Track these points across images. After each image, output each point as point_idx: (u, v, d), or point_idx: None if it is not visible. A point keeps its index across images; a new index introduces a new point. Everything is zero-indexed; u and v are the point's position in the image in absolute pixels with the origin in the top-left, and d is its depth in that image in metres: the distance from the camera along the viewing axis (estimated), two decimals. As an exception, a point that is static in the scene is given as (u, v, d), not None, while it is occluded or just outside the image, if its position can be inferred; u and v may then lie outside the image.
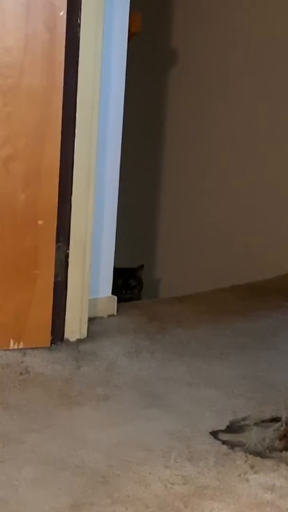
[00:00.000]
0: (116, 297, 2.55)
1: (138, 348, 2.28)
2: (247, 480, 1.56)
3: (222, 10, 3.61)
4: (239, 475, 1.58)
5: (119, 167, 2.47)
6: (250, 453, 1.68)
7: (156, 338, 2.38)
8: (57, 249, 2.21)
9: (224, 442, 1.73)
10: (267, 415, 1.88)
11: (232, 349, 2.34)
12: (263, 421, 1.85)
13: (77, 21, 2.13)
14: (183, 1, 3.81)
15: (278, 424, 1.82)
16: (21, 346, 2.19)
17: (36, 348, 2.20)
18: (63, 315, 2.27)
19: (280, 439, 1.76)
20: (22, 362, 2.11)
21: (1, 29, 2.04)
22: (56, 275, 2.22)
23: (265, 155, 3.46)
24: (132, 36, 2.45)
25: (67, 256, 2.24)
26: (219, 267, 3.58)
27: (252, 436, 1.76)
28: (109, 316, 2.52)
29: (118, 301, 2.57)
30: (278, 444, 1.74)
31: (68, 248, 2.24)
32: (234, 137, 3.60)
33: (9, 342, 2.18)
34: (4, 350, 2.16)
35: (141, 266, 3.62)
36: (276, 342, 2.43)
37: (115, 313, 2.54)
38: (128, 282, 3.48)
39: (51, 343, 2.23)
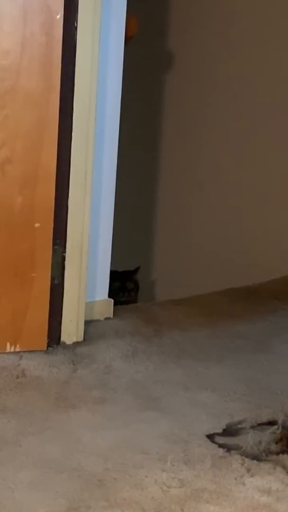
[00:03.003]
0: (112, 300, 2.55)
1: (134, 351, 2.28)
2: (244, 483, 1.56)
3: (219, 12, 3.61)
4: (236, 478, 1.58)
5: (116, 170, 2.47)
6: (246, 456, 1.68)
7: (152, 341, 2.37)
8: (54, 251, 2.21)
9: (220, 445, 1.73)
10: (264, 418, 1.88)
11: (228, 352, 2.34)
12: (259, 424, 1.85)
13: (74, 24, 2.13)
14: (180, 4, 3.81)
15: (275, 427, 1.82)
16: (17, 349, 2.18)
17: (32, 351, 2.19)
18: (59, 318, 2.27)
19: (276, 442, 1.76)
20: (18, 365, 2.11)
21: (-2, 32, 2.04)
22: (52, 278, 2.22)
23: (264, 159, 3.46)
24: (129, 39, 2.45)
25: (63, 259, 2.24)
26: (215, 270, 3.58)
27: (249, 439, 1.76)
28: (105, 319, 2.52)
29: (115, 304, 2.57)
30: (274, 447, 1.74)
31: (64, 251, 2.24)
32: (232, 140, 3.60)
33: (5, 345, 2.17)
34: (1, 353, 2.16)
35: (138, 268, 3.61)
36: (273, 345, 2.43)
37: (111, 316, 2.54)
38: (125, 285, 3.47)
39: (48, 346, 2.23)
